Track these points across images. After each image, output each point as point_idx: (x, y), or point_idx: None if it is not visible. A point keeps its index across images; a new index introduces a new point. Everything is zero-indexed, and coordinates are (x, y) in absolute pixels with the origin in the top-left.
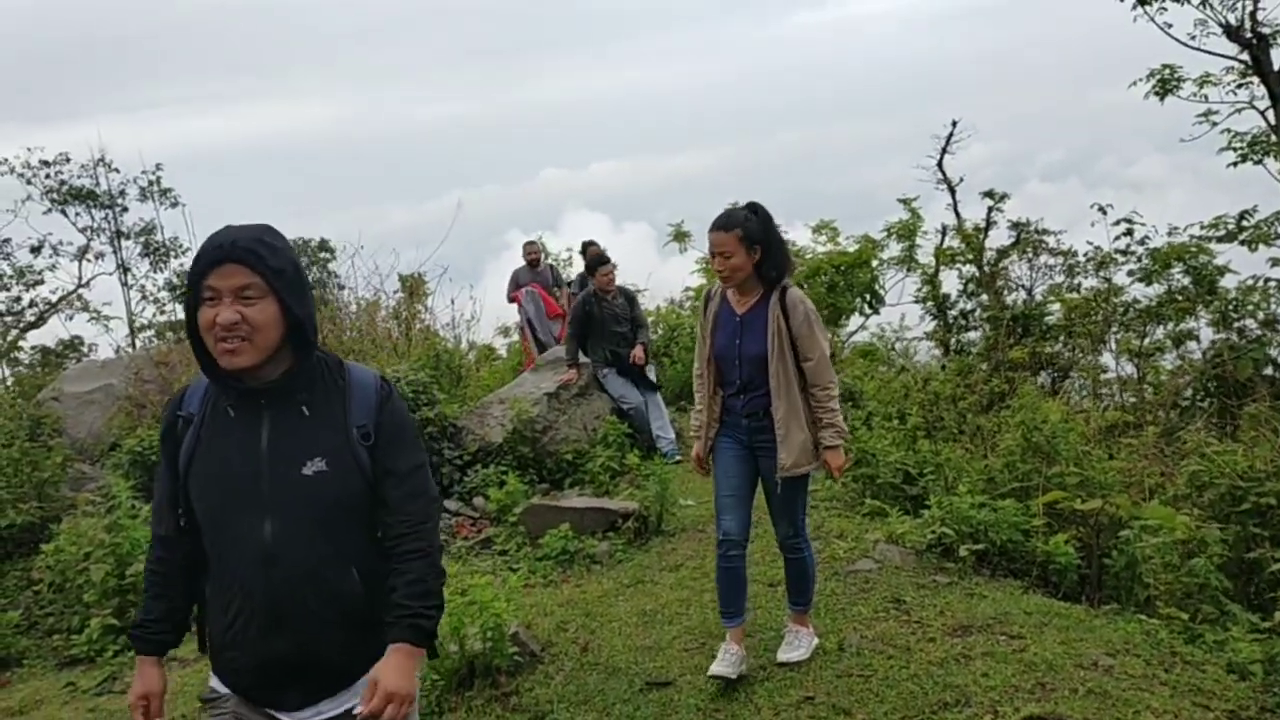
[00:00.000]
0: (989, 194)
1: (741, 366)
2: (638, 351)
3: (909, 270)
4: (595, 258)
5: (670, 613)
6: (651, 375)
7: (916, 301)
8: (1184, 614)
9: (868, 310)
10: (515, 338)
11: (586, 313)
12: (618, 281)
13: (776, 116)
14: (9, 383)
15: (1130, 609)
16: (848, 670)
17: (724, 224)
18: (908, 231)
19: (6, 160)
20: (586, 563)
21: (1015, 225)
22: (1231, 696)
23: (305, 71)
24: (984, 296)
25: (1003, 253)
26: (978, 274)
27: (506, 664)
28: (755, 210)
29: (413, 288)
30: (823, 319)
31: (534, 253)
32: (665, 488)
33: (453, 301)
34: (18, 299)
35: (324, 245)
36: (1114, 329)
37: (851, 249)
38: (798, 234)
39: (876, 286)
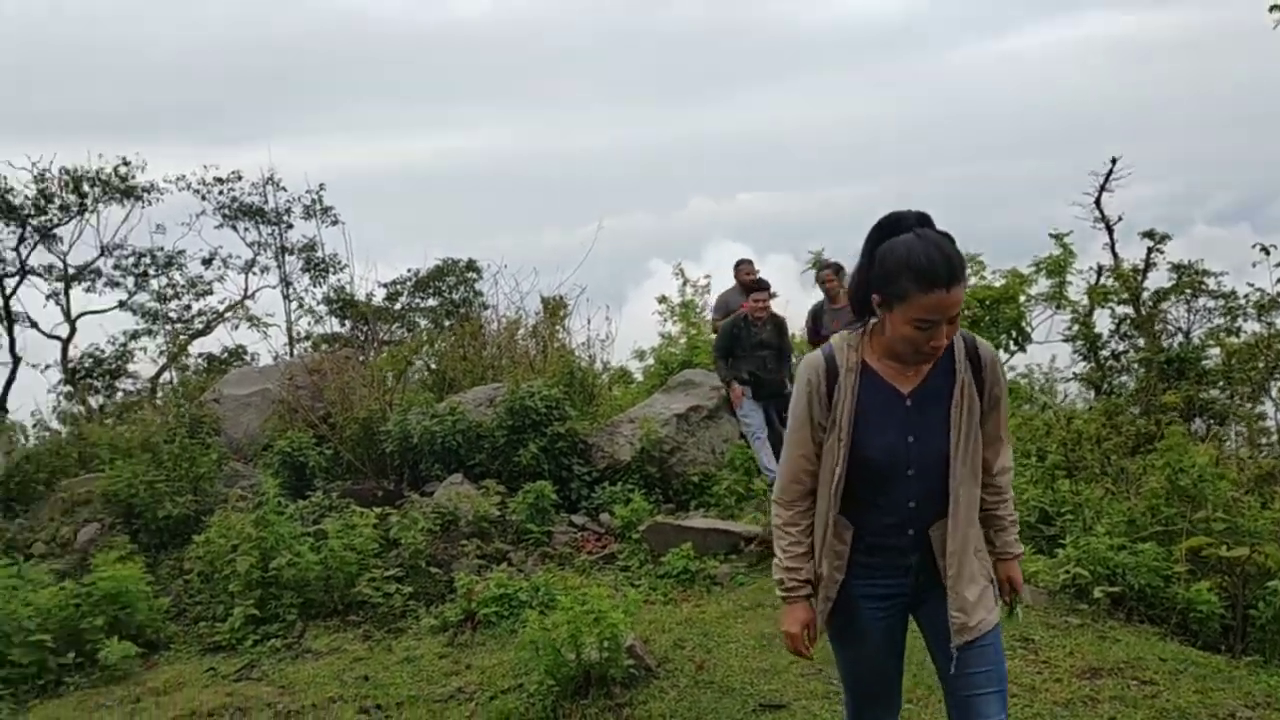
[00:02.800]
0: (1149, 234)
1: (915, 477)
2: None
3: (1058, 307)
4: (753, 283)
5: None
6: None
7: (1065, 340)
8: None
9: (1013, 347)
10: (650, 361)
11: (734, 335)
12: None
13: (933, 152)
14: (175, 386)
15: (1276, 662)
16: None
17: (960, 272)
18: (1058, 267)
19: (184, 177)
20: (707, 583)
21: (1176, 267)
22: None
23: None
24: (1139, 339)
25: (1161, 295)
26: (1134, 315)
27: (622, 675)
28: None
29: (553, 308)
30: None
31: (749, 272)
32: None
33: (589, 321)
34: (188, 307)
35: (471, 265)
36: (1276, 376)
37: (997, 284)
38: None
39: (1023, 323)
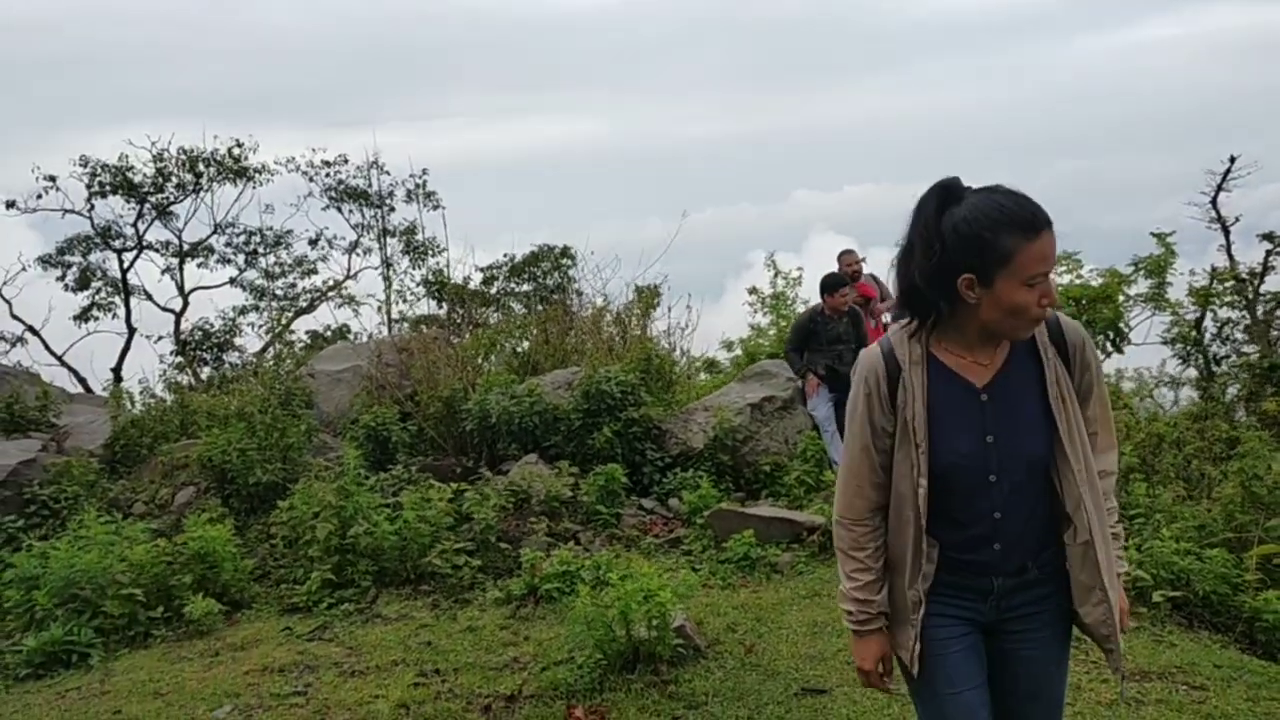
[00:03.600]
0: (1268, 236)
1: (999, 484)
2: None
3: (1157, 309)
4: (834, 280)
5: (840, 626)
6: None
7: (1164, 343)
8: None
9: (1109, 349)
10: (738, 352)
11: (810, 330)
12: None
13: (1051, 145)
14: (273, 360)
15: None
16: None
17: (1048, 217)
18: (1158, 267)
19: (294, 159)
20: (767, 570)
21: None
22: None
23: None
24: (1243, 344)
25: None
26: (1249, 320)
27: (669, 653)
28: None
29: (646, 297)
30: None
31: (853, 263)
32: None
33: (669, 310)
34: (293, 285)
35: (565, 252)
36: None
37: (1095, 283)
38: None
39: (1121, 324)
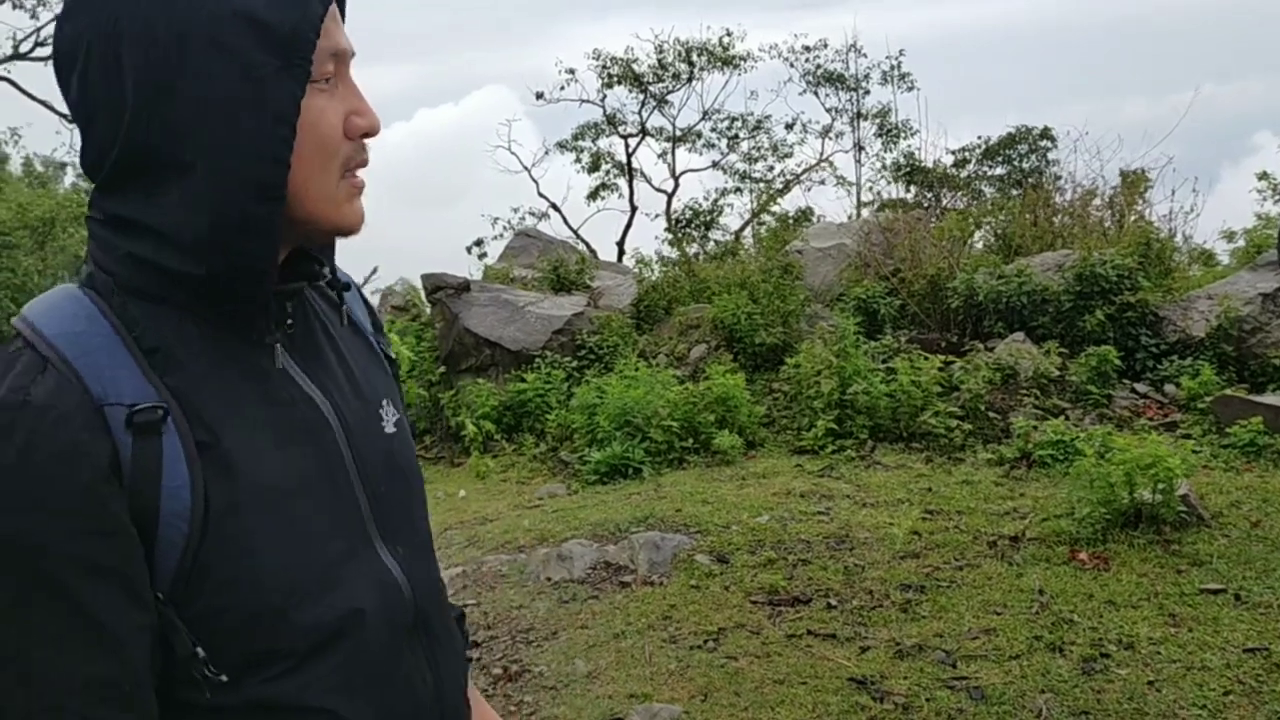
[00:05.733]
0: None
1: None
2: None
3: None
4: None
5: None
6: None
7: None
8: None
9: None
10: (1241, 243)
11: None
12: None
13: None
14: (765, 235)
15: None
16: None
17: None
18: None
19: (776, 46)
20: (1275, 458)
21: None
22: None
23: None
24: None
25: None
26: None
27: (1172, 517)
28: None
29: (1132, 182)
30: None
31: None
32: None
33: (1173, 193)
34: (771, 168)
35: (1046, 133)
36: None
37: None
38: None
39: None
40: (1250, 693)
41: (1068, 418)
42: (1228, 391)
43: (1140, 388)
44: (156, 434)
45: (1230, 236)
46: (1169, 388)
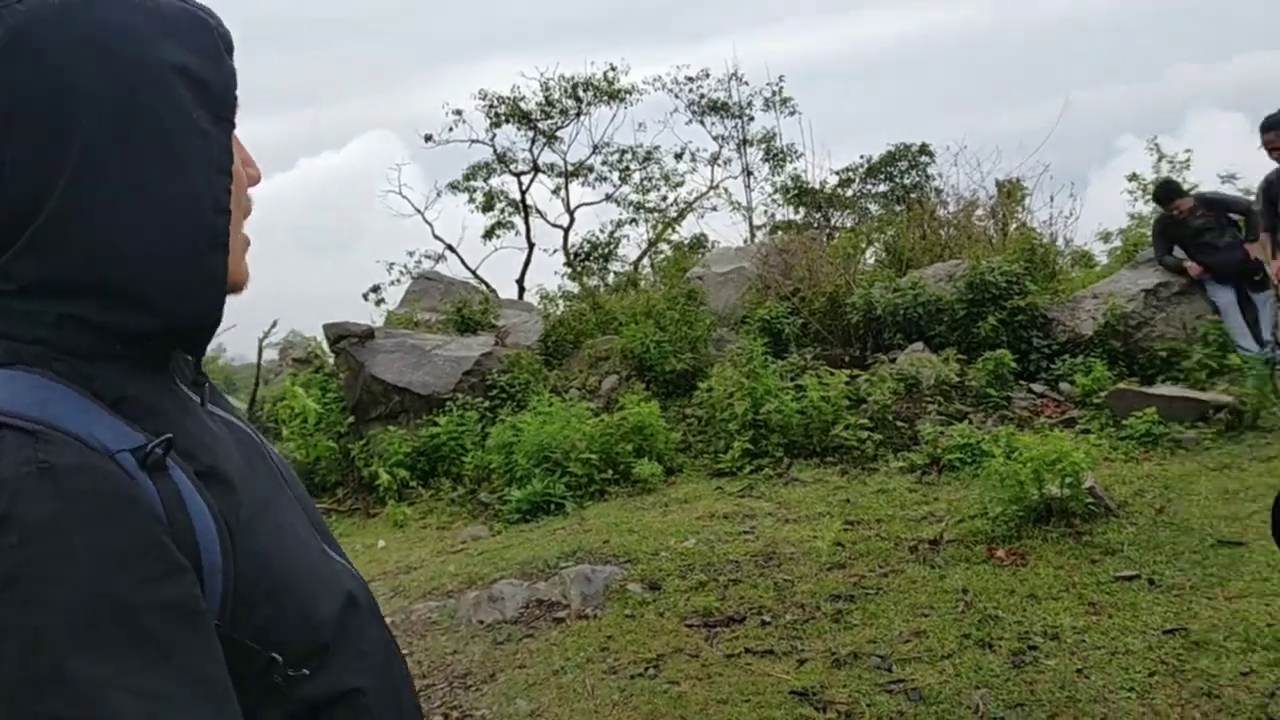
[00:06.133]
0: None
1: None
2: (1277, 267)
3: None
4: (1164, 194)
5: (1254, 493)
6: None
7: None
8: None
9: None
10: (1117, 244)
11: (1166, 235)
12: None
13: None
14: (663, 264)
15: None
16: None
17: None
18: None
19: (660, 78)
20: (1171, 446)
21: None
22: None
23: None
24: None
25: None
26: None
27: (1082, 509)
28: None
29: (1009, 190)
30: None
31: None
32: (1265, 384)
33: (1052, 199)
34: (664, 198)
35: (924, 149)
36: None
37: None
38: None
39: None
40: (1174, 672)
41: (971, 421)
42: (1120, 385)
43: (1037, 388)
44: (165, 470)
45: (1107, 237)
46: (1064, 386)
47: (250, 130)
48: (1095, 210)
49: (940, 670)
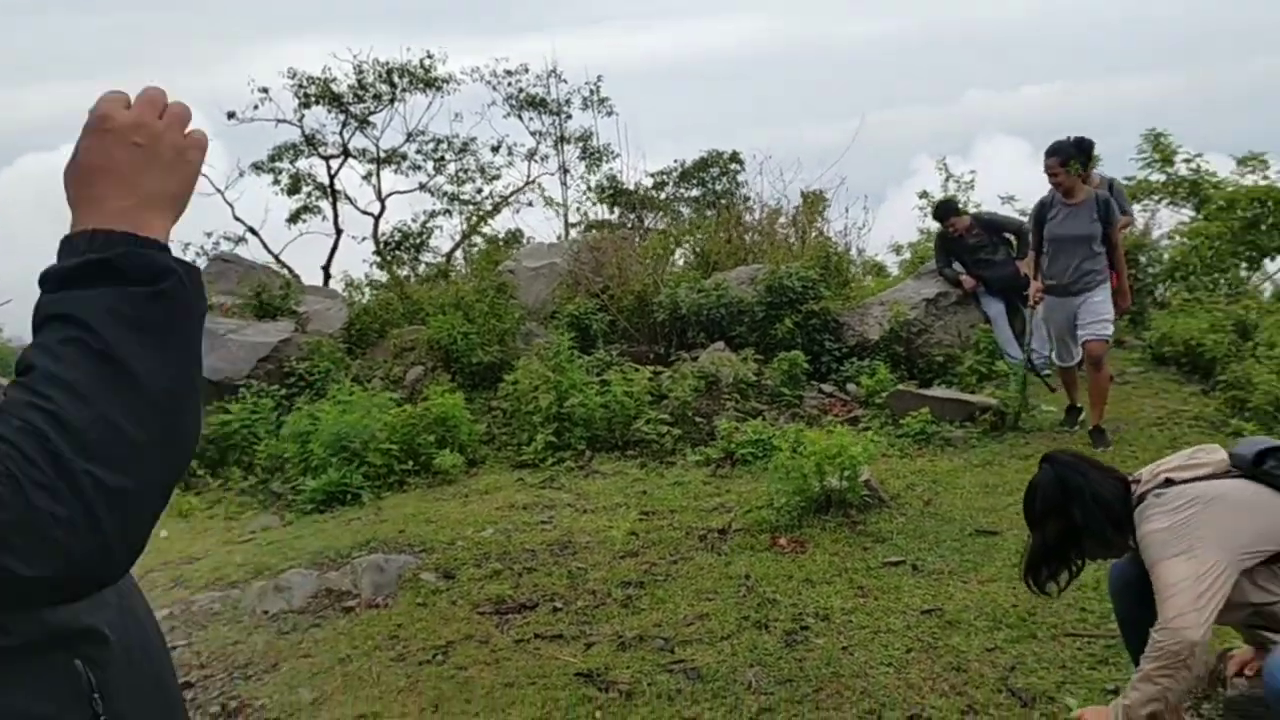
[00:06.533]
0: None
1: None
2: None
3: None
4: (941, 212)
5: (1011, 487)
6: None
7: None
8: None
9: None
10: (907, 256)
11: (946, 250)
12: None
13: (1245, 39)
14: (477, 256)
15: None
16: None
17: None
18: None
19: (478, 69)
20: (942, 444)
21: None
22: None
23: None
24: None
25: None
26: None
27: (858, 501)
28: None
29: (811, 201)
30: (1240, 256)
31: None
32: (1025, 388)
33: (846, 210)
34: (480, 190)
35: (734, 157)
36: None
37: None
38: (1220, 164)
39: None
40: (928, 648)
41: (765, 418)
42: (900, 387)
43: (826, 388)
44: None
45: (898, 249)
46: (851, 386)
47: (33, 99)
48: (891, 224)
49: (719, 650)
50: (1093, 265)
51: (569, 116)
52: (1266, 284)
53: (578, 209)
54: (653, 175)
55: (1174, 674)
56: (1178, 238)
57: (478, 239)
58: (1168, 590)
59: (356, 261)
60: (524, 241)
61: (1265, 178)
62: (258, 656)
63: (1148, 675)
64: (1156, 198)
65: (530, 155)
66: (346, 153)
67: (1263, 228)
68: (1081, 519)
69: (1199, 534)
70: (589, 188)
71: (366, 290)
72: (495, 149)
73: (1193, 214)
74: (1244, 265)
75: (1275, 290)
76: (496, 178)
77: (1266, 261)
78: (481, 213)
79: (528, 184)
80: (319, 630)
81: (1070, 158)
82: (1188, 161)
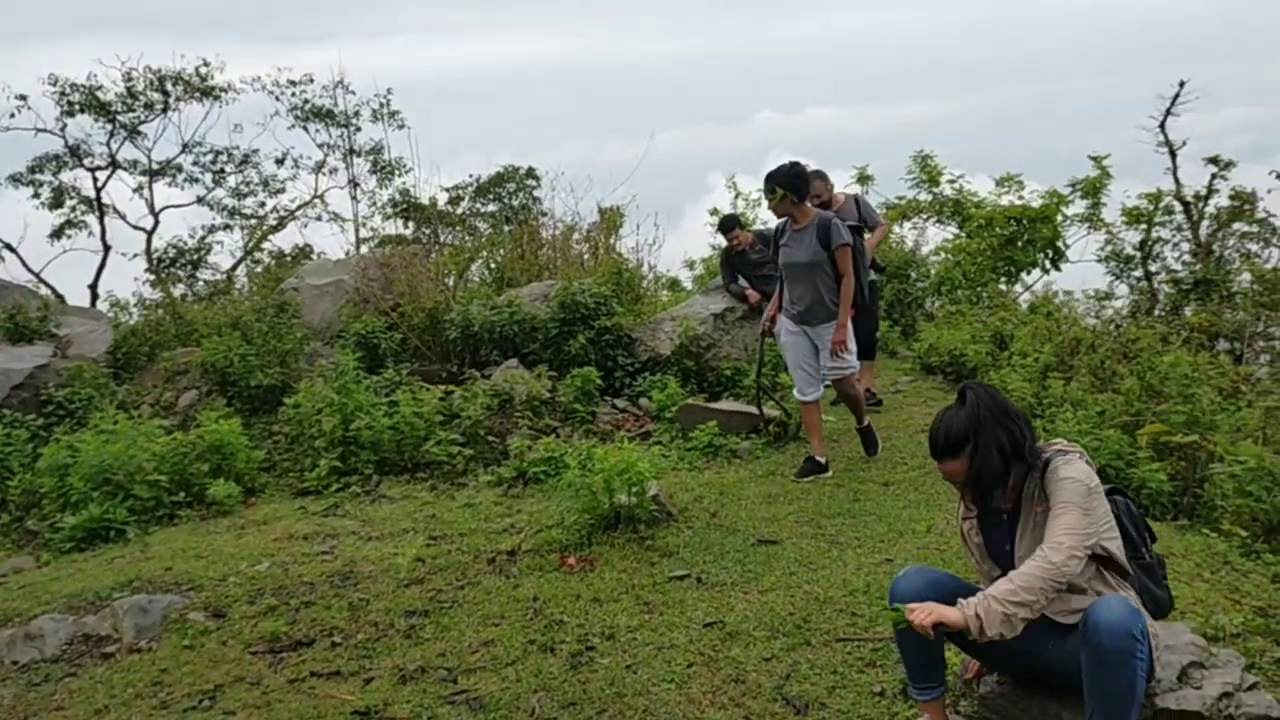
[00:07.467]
0: (1213, 160)
1: None
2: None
3: (1092, 228)
4: (723, 226)
5: (791, 496)
6: None
7: (1099, 260)
8: (1243, 532)
9: (1048, 266)
10: (700, 270)
11: (731, 264)
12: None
13: (1015, 69)
14: (259, 273)
15: (1203, 528)
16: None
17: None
18: (1093, 189)
19: (259, 78)
20: (729, 456)
21: (1237, 195)
22: (1264, 597)
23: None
24: (1171, 261)
25: (1221, 220)
26: (1192, 241)
27: (646, 516)
28: None
29: (609, 217)
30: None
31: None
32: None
33: (638, 227)
34: (262, 204)
35: (531, 173)
36: None
37: (1035, 204)
38: (981, 184)
39: (1059, 243)
40: (709, 661)
41: (559, 435)
42: (689, 400)
43: (619, 403)
44: None
45: (691, 265)
46: (644, 401)
47: None
48: (688, 240)
49: (503, 677)
50: (829, 295)
51: (358, 129)
52: (1024, 295)
53: (367, 224)
54: (448, 190)
55: (1043, 595)
56: (943, 254)
57: (262, 255)
58: (1065, 528)
59: (128, 280)
60: (315, 257)
61: (1020, 197)
62: (5, 713)
63: (1025, 589)
64: (924, 215)
65: (318, 168)
66: (115, 164)
67: (1019, 244)
68: (1020, 434)
69: (1097, 503)
70: (380, 202)
71: (135, 310)
72: (280, 161)
73: (956, 231)
74: (1002, 279)
75: (1030, 303)
76: (281, 191)
77: (1023, 275)
78: (265, 228)
79: (315, 198)
80: (75, 680)
81: (776, 184)
82: (952, 182)
